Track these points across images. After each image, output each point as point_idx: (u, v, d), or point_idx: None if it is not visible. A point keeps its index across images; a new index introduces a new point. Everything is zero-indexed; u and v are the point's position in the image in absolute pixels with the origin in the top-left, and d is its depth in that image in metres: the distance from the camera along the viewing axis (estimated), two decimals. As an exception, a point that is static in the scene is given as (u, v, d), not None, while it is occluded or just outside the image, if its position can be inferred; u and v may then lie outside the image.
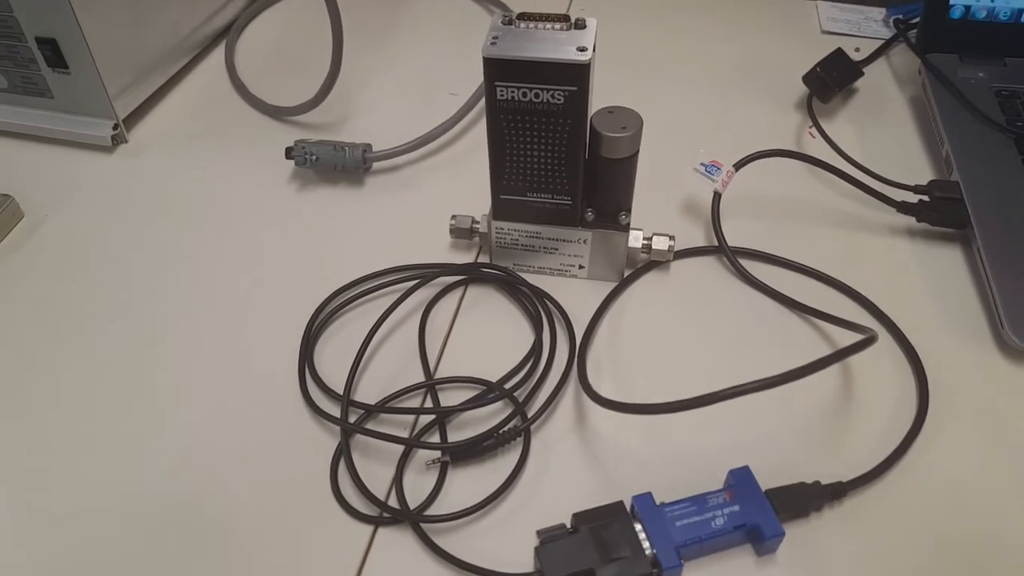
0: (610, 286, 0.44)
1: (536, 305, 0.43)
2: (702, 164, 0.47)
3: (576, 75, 0.36)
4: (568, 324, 0.42)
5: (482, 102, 0.54)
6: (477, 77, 0.37)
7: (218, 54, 0.63)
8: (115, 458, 0.38)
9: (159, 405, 0.39)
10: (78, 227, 0.49)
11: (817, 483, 0.35)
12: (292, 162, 0.51)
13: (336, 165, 0.51)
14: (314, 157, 0.50)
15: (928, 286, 0.44)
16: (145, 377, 0.41)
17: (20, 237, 0.49)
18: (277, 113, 0.57)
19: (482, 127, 0.55)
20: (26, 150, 0.55)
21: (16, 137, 0.55)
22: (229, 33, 0.64)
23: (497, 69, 0.36)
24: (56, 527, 0.35)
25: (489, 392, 0.39)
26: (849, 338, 0.40)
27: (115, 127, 0.54)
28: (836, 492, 0.35)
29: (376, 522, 0.35)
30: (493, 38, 0.37)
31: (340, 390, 0.39)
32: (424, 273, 0.43)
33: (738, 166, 0.47)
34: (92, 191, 0.52)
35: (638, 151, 0.40)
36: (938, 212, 0.46)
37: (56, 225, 0.49)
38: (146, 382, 0.41)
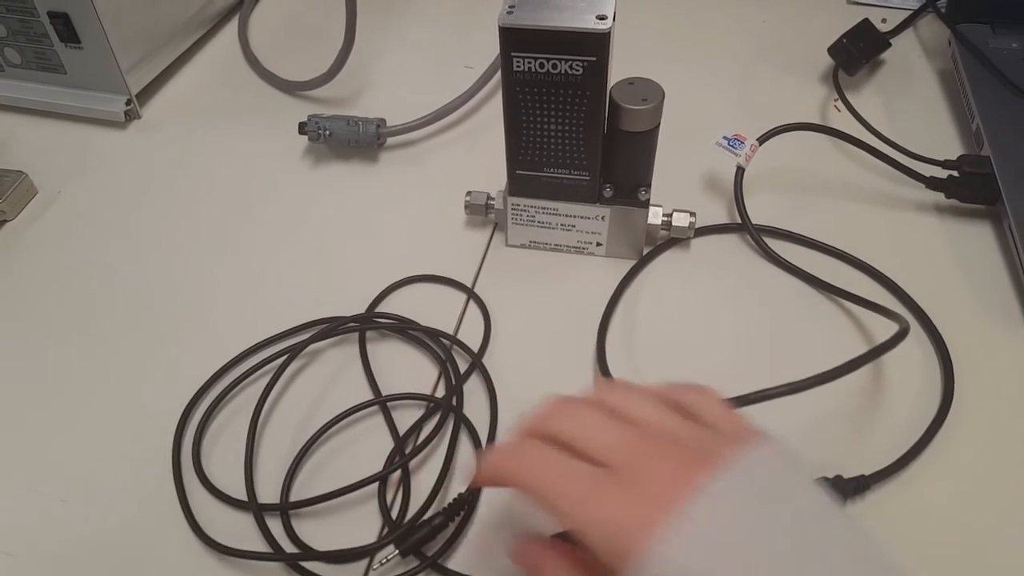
0: (629, 264, 0.44)
1: (436, 349, 0.39)
2: (724, 138, 0.45)
3: (595, 45, 0.35)
4: (476, 358, 0.39)
5: (498, 75, 0.53)
6: (493, 50, 0.37)
7: (231, 28, 0.62)
8: (121, 426, 0.38)
9: (171, 377, 0.39)
10: (91, 202, 0.49)
11: (839, 477, 0.34)
12: (306, 137, 0.50)
13: (350, 140, 0.50)
14: (327, 132, 0.49)
15: (956, 265, 0.43)
16: (156, 351, 0.41)
17: (34, 212, 0.49)
18: (290, 88, 0.56)
19: (498, 101, 0.54)
20: (39, 126, 0.54)
21: (29, 113, 0.55)
22: (242, 7, 0.63)
23: (513, 39, 0.35)
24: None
25: (435, 407, 0.37)
26: (877, 321, 0.39)
27: (128, 102, 0.54)
28: (859, 486, 0.34)
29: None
30: (510, 7, 0.35)
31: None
32: (292, 347, 0.39)
33: (762, 140, 0.45)
34: (105, 166, 0.51)
35: (659, 124, 0.38)
36: (968, 187, 0.45)
37: (69, 200, 0.49)
38: (158, 356, 0.41)
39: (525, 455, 0.25)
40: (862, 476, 0.34)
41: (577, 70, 0.36)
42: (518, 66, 0.36)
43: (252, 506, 0.34)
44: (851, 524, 0.23)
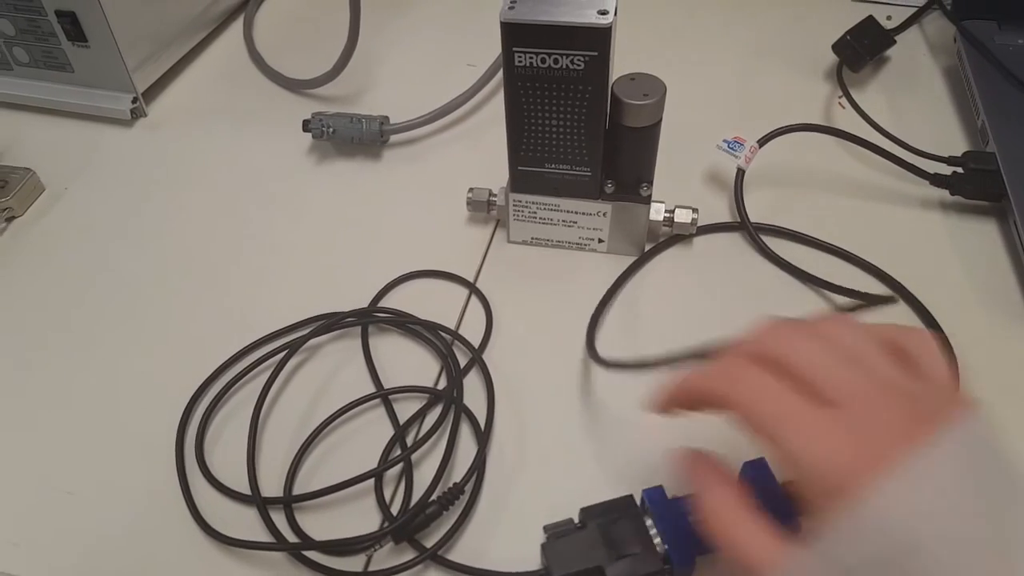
0: (630, 260, 0.44)
1: (436, 343, 0.39)
2: (725, 141, 0.46)
3: (597, 40, 0.35)
4: (476, 352, 0.39)
5: (500, 73, 0.53)
6: (495, 48, 0.37)
7: (236, 27, 0.62)
8: (127, 419, 0.38)
9: (176, 372, 0.39)
10: (97, 199, 0.49)
11: None
12: (309, 135, 0.50)
13: (353, 138, 0.50)
14: (331, 130, 0.50)
15: (961, 263, 0.43)
16: (162, 345, 0.41)
17: (41, 209, 0.49)
18: (295, 86, 0.56)
19: (500, 98, 0.54)
20: (47, 124, 0.55)
21: (37, 111, 0.56)
22: (247, 6, 0.63)
23: (514, 34, 0.35)
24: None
25: (436, 399, 0.37)
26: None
27: (134, 100, 0.54)
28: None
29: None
30: (511, 2, 0.36)
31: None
32: (292, 343, 0.39)
33: (762, 142, 0.45)
34: (112, 164, 0.52)
35: (661, 120, 0.38)
36: (973, 184, 0.44)
37: (76, 197, 0.50)
38: (163, 350, 0.41)
39: (741, 377, 0.25)
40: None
41: (578, 65, 0.36)
42: (519, 61, 0.36)
43: (256, 499, 0.34)
44: None
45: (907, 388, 0.24)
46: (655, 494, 0.31)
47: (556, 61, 0.36)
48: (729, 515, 0.26)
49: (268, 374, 0.38)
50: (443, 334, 0.40)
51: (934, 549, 0.21)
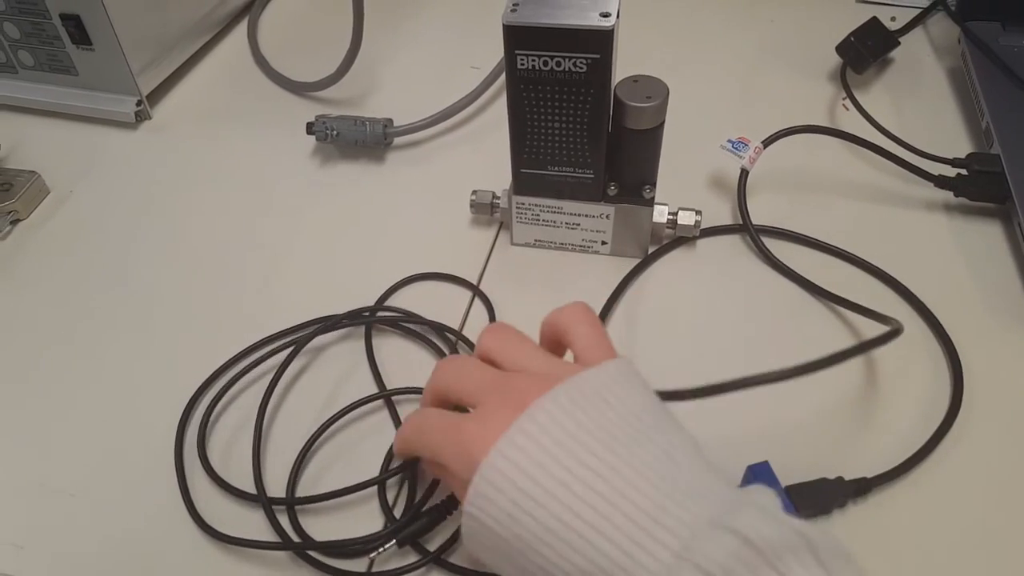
0: (633, 262, 0.44)
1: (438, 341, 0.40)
2: (729, 141, 0.45)
3: (599, 42, 0.35)
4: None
5: (503, 76, 0.53)
6: (499, 51, 0.37)
7: (240, 30, 0.62)
8: (128, 421, 0.38)
9: (178, 373, 0.40)
10: (102, 201, 0.50)
11: (840, 479, 0.33)
12: (313, 137, 0.50)
13: (357, 140, 0.50)
14: (335, 132, 0.50)
15: (965, 265, 0.43)
16: (164, 347, 0.41)
17: (46, 212, 0.49)
18: (299, 88, 0.56)
19: (503, 101, 0.54)
20: (52, 127, 0.55)
21: (42, 114, 0.56)
22: (251, 9, 0.63)
23: (517, 37, 0.35)
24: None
25: None
26: (876, 328, 0.38)
27: (138, 103, 0.54)
28: (860, 488, 0.33)
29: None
30: (514, 5, 0.36)
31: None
32: (296, 341, 0.39)
33: (766, 143, 0.45)
34: (116, 167, 0.52)
35: (663, 122, 0.38)
36: (977, 186, 0.44)
37: (81, 200, 0.50)
38: (165, 352, 0.41)
39: (417, 423, 0.30)
40: (864, 478, 0.33)
41: (581, 68, 0.36)
42: (522, 64, 0.36)
43: (262, 500, 0.34)
44: (677, 423, 0.27)
45: (535, 368, 0.28)
46: None
47: (559, 64, 0.36)
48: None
49: (271, 375, 0.38)
50: (448, 335, 0.40)
51: (540, 496, 0.24)
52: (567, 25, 0.34)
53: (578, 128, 0.38)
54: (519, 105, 0.38)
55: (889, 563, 0.32)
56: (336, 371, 0.40)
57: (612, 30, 0.34)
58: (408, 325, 0.41)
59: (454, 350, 0.39)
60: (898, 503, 0.34)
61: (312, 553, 0.33)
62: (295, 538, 0.33)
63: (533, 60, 0.36)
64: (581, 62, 0.36)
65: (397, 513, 0.34)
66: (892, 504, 0.33)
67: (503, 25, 0.35)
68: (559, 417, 0.25)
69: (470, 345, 0.40)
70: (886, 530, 0.33)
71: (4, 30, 0.53)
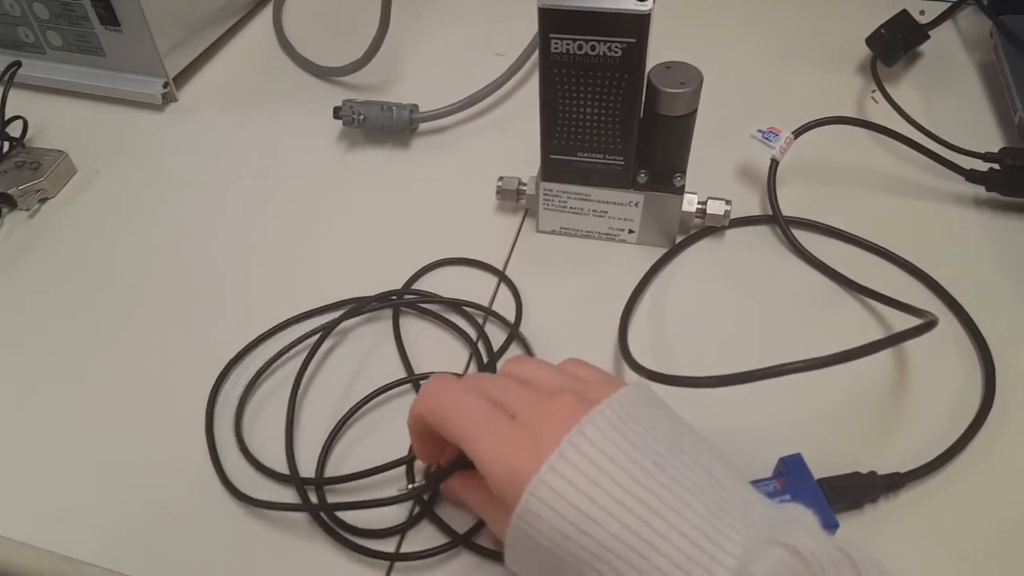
0: (661, 252, 0.43)
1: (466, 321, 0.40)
2: (759, 130, 0.45)
3: (635, 26, 0.35)
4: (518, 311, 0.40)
5: (529, 63, 0.53)
6: (525, 37, 0.36)
7: (266, 14, 0.62)
8: (158, 398, 0.38)
9: (205, 353, 0.40)
10: (129, 182, 0.50)
11: (873, 473, 0.33)
12: (340, 122, 0.50)
13: (383, 125, 0.50)
14: (362, 117, 0.50)
15: (997, 260, 0.42)
16: (190, 327, 0.41)
17: (73, 191, 0.49)
18: (324, 73, 0.56)
19: (529, 88, 0.54)
20: (80, 107, 0.55)
21: (70, 95, 0.56)
22: (277, -6, 0.63)
23: (552, 20, 0.35)
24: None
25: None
26: (907, 322, 0.38)
27: (165, 85, 0.54)
28: (893, 483, 0.33)
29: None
30: (549, -12, 0.35)
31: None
32: (326, 325, 0.39)
33: (797, 133, 0.45)
34: (142, 148, 0.52)
35: (696, 109, 0.38)
36: (1010, 181, 0.44)
37: (108, 180, 0.50)
38: (192, 332, 0.41)
39: (454, 400, 0.29)
40: (896, 473, 0.33)
41: (616, 52, 0.36)
42: (556, 48, 0.36)
43: (295, 480, 0.34)
44: (707, 440, 0.28)
45: (568, 387, 0.29)
46: None
47: (593, 48, 0.36)
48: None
49: (302, 357, 0.38)
50: (476, 312, 0.40)
51: (597, 515, 0.24)
52: (603, 8, 0.34)
53: (610, 114, 0.38)
54: (551, 90, 0.38)
55: (921, 560, 0.32)
56: (362, 353, 0.40)
57: (649, 14, 0.34)
58: (434, 309, 0.41)
59: (482, 332, 0.39)
60: (931, 499, 0.33)
61: (342, 533, 0.33)
62: (325, 518, 0.33)
63: (567, 44, 0.36)
64: (616, 46, 0.35)
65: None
66: (925, 500, 0.33)
67: (538, 8, 0.35)
68: (610, 433, 0.26)
69: (501, 320, 0.40)
70: (917, 526, 0.33)
71: (33, 11, 0.53)
